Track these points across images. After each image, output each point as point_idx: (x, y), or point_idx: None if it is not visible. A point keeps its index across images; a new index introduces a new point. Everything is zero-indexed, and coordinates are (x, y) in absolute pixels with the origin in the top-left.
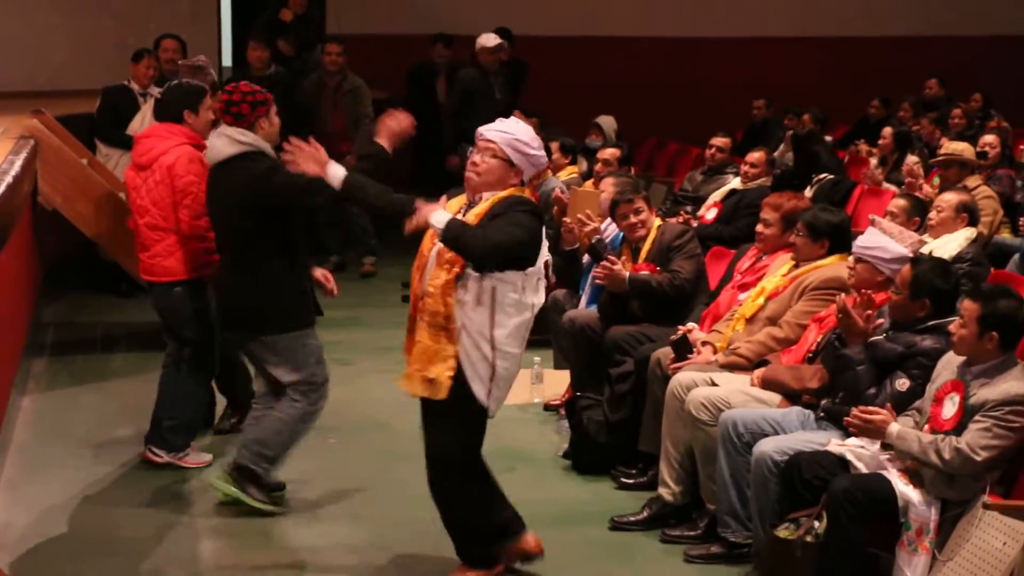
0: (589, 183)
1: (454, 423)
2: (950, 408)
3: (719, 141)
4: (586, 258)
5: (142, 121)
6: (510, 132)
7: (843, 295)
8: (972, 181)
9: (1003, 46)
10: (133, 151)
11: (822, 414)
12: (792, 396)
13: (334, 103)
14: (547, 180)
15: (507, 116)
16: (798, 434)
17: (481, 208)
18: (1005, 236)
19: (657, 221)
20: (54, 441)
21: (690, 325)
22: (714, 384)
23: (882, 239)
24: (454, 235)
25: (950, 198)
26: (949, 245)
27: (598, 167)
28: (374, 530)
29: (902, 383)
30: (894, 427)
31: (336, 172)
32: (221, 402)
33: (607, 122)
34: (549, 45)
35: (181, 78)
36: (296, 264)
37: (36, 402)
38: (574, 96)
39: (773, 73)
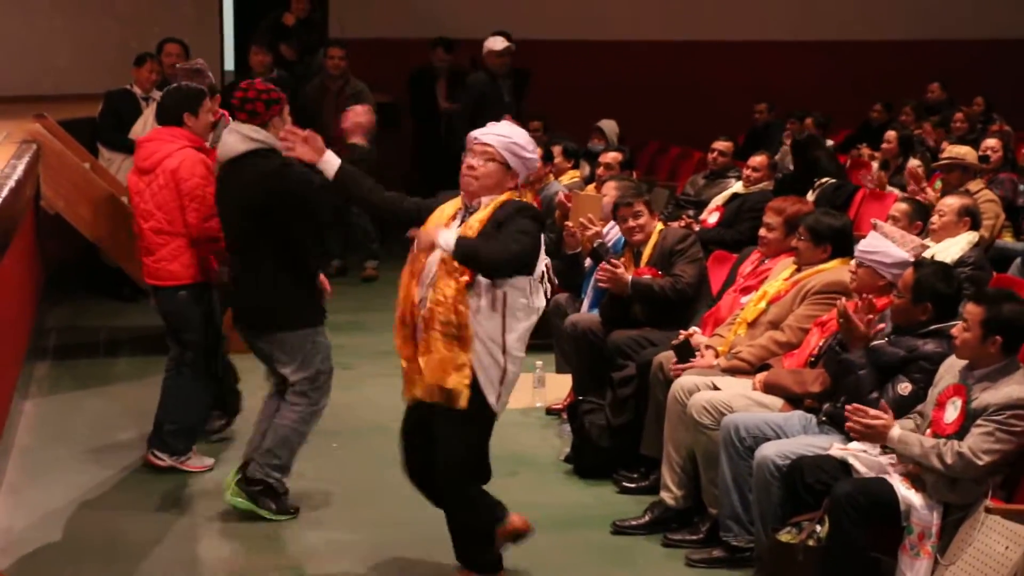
0: (591, 187)
1: (467, 430)
2: (952, 412)
3: (721, 145)
4: (588, 262)
5: (144, 125)
6: (507, 136)
7: (844, 299)
8: (974, 185)
9: (1005, 50)
10: (135, 155)
11: (824, 418)
12: (794, 400)
13: (336, 107)
14: (549, 184)
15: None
16: (800, 438)
17: (483, 214)
18: (1007, 240)
19: (659, 225)
20: (56, 445)
21: (692, 329)
22: (716, 388)
23: (884, 243)
24: (468, 254)
25: (952, 202)
26: (951, 249)
27: (600, 171)
28: (375, 533)
29: (904, 387)
30: (895, 431)
31: (332, 161)
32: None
33: (609, 126)
34: (551, 49)
35: (178, 81)
36: (307, 262)
37: (38, 406)
38: (576, 100)
39: (775, 77)
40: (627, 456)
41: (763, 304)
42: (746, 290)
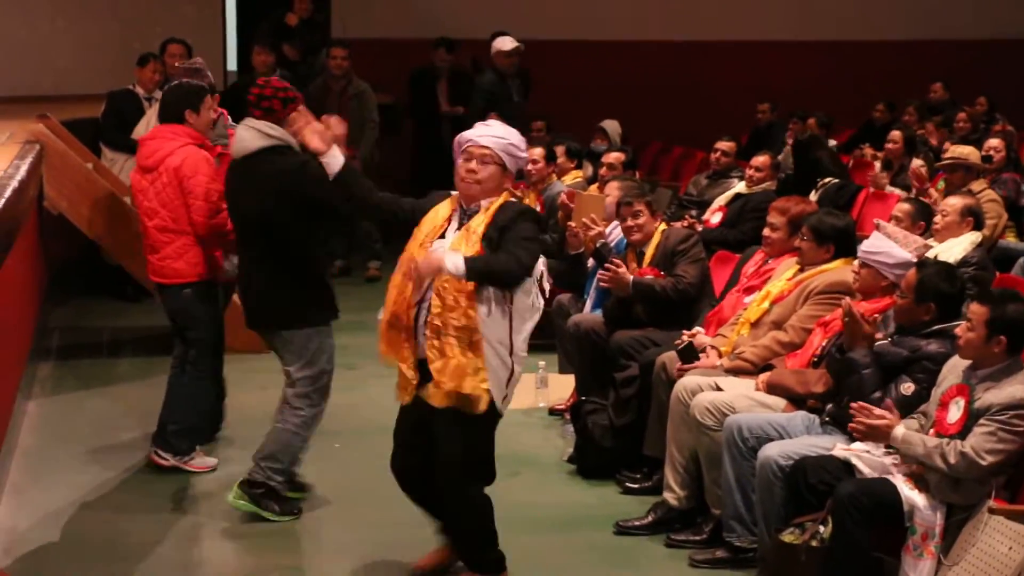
0: (594, 187)
1: (470, 430)
2: (955, 412)
3: (724, 145)
4: (591, 262)
5: (147, 125)
6: (503, 137)
7: (848, 299)
8: (977, 185)
9: (1008, 49)
10: (138, 154)
11: (827, 418)
12: (797, 400)
13: (339, 107)
14: (552, 184)
15: (524, 119)
16: (803, 438)
17: (484, 219)
18: (1010, 240)
19: (662, 225)
20: (59, 445)
21: (695, 330)
22: (719, 389)
23: (886, 244)
24: (482, 273)
25: (955, 202)
26: (954, 249)
27: (603, 171)
28: (378, 533)
29: (907, 387)
30: (899, 430)
31: (337, 158)
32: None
33: (612, 126)
34: (553, 49)
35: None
36: (315, 261)
37: (42, 406)
38: (578, 100)
39: (778, 77)
40: (630, 456)
41: (766, 304)
42: (749, 290)
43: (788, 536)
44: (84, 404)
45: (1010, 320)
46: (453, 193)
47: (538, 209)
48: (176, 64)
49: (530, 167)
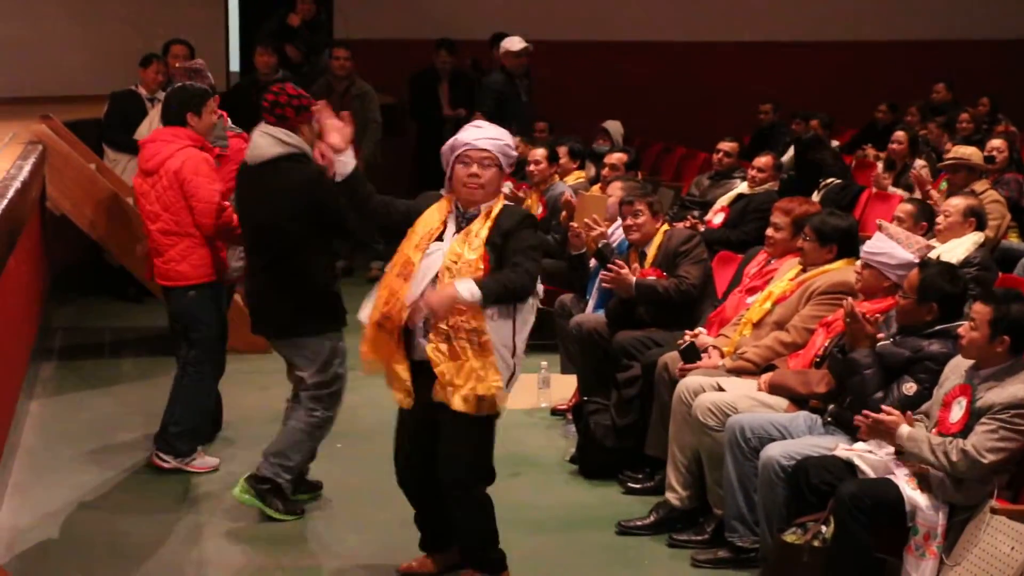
0: (596, 188)
1: (475, 432)
2: (957, 412)
3: (726, 146)
4: (593, 262)
5: (150, 126)
6: (499, 138)
7: (850, 299)
8: (979, 185)
9: (1011, 50)
10: (139, 157)
11: (829, 419)
12: (799, 401)
13: (342, 108)
14: (555, 184)
15: (533, 119)
16: (805, 439)
17: (487, 223)
18: (1013, 240)
19: (664, 226)
20: (62, 445)
21: (698, 330)
22: (721, 389)
23: (888, 245)
24: (499, 295)
25: (957, 203)
26: (957, 250)
27: (605, 172)
28: (380, 533)
29: (909, 387)
30: (904, 429)
31: (350, 160)
32: (227, 407)
33: (614, 127)
34: (556, 50)
35: (177, 81)
36: (328, 266)
37: (44, 406)
38: (581, 101)
39: (780, 77)
40: (632, 456)
41: (768, 304)
42: (752, 290)
43: (790, 536)
44: (86, 404)
45: (1014, 320)
46: (443, 193)
47: (540, 210)
48: (176, 64)
49: (532, 167)
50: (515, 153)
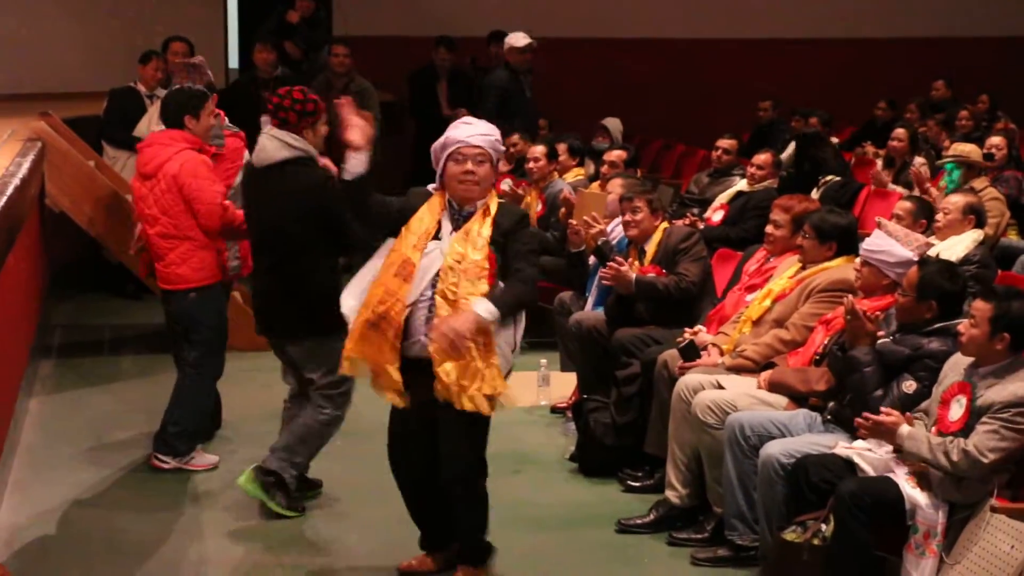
0: (596, 185)
1: (474, 429)
2: (957, 410)
3: (725, 143)
4: (592, 260)
5: (149, 123)
6: (490, 133)
7: (850, 296)
8: (979, 183)
9: (1010, 48)
10: (137, 161)
11: (829, 417)
12: (799, 399)
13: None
14: (554, 182)
15: (537, 114)
16: (805, 437)
17: (486, 221)
18: (1012, 238)
19: (664, 224)
20: (61, 443)
21: (697, 328)
22: (720, 387)
23: (888, 242)
24: (514, 307)
25: (957, 200)
26: (956, 247)
27: (604, 169)
28: (380, 532)
29: (909, 385)
30: (904, 428)
31: (364, 159)
32: (227, 405)
33: (613, 124)
34: (555, 47)
35: (176, 78)
36: (333, 267)
37: (43, 404)
38: (581, 98)
39: (779, 75)
40: (632, 454)
41: (768, 302)
42: (751, 288)
43: (790, 534)
44: (85, 402)
45: (1014, 317)
46: (431, 188)
47: (540, 207)
48: (175, 61)
49: (532, 164)
50: (503, 148)
